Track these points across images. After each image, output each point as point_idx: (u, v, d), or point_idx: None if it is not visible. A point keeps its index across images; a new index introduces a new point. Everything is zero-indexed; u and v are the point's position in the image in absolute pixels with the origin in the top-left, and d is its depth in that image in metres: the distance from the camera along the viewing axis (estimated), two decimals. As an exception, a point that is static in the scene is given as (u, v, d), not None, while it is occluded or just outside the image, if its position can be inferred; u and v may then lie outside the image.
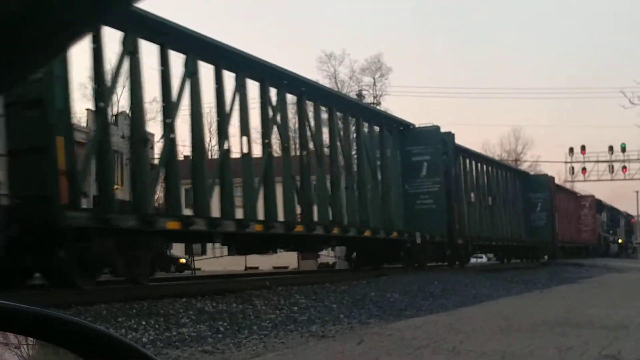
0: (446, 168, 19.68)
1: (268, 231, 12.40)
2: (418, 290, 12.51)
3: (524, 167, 48.41)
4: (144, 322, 7.01)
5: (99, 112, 9.93)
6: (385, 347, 6.14)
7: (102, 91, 9.88)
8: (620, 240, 54.95)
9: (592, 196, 44.73)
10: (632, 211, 60.28)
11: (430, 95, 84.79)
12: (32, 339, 0.87)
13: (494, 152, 53.45)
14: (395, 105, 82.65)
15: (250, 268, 26.52)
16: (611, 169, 41.08)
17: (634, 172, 41.17)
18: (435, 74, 77.00)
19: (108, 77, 10.10)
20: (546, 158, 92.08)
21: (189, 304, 8.24)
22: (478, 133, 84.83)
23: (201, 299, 8.64)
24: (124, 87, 11.14)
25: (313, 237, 14.36)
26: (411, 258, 18.01)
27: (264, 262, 26.03)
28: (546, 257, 30.12)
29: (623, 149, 40.40)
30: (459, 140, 21.43)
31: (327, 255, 25.35)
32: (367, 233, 16.12)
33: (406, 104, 66.59)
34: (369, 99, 42.57)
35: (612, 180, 41.49)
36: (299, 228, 13.48)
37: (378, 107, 32.95)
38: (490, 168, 25.88)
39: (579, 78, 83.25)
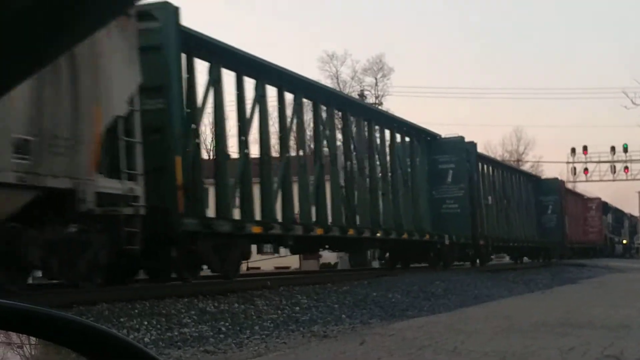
0: (469, 175, 21.31)
1: (327, 234, 14.28)
2: (419, 290, 12.51)
3: (525, 167, 48.41)
4: (146, 322, 7.02)
5: (193, 132, 11.36)
6: (387, 347, 6.15)
7: (194, 114, 11.20)
8: (624, 241, 55.37)
9: (599, 198, 45.37)
10: (635, 211, 60.32)
11: (432, 95, 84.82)
12: (34, 338, 0.87)
13: (496, 152, 53.36)
14: (397, 105, 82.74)
15: (252, 268, 26.52)
16: (613, 170, 41.06)
17: (636, 173, 41.18)
18: (437, 74, 77.13)
19: (199, 101, 11.47)
20: (548, 158, 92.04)
21: (191, 304, 8.25)
22: (480, 133, 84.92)
23: (203, 299, 8.65)
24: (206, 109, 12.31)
25: (362, 240, 16.11)
26: (439, 258, 19.49)
27: (265, 263, 26.06)
28: (555, 258, 31.12)
29: (625, 150, 40.37)
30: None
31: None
32: (405, 236, 17.81)
33: (408, 104, 66.75)
34: (370, 99, 42.58)
35: (614, 180, 41.52)
36: (351, 232, 15.29)
37: (380, 108, 32.98)
38: (505, 173, 27.46)
39: (581, 78, 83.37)
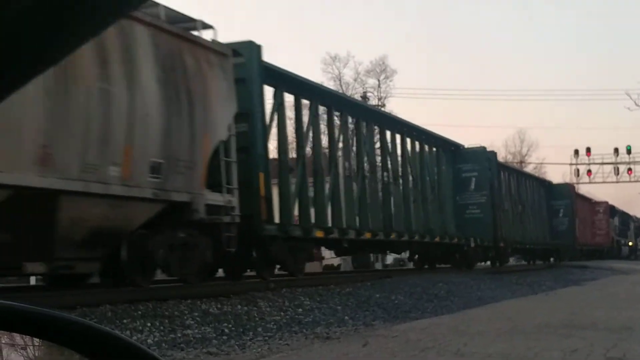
0: (491, 182, 22.89)
1: (374, 238, 16.11)
2: (423, 292, 12.49)
3: (528, 169, 48.29)
4: (149, 324, 7.02)
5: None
6: (390, 349, 6.14)
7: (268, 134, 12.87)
8: (630, 243, 55.83)
9: (606, 202, 46.10)
10: (638, 213, 60.25)
11: (435, 97, 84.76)
12: (37, 339, 0.87)
13: (499, 154, 53.15)
14: (400, 107, 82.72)
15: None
16: (616, 171, 41.03)
17: (640, 174, 41.09)
18: (440, 75, 77.06)
19: (271, 123, 13.05)
20: (551, 160, 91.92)
21: (194, 305, 8.25)
22: (483, 135, 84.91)
23: (206, 300, 8.65)
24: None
25: (402, 243, 18.13)
26: (465, 260, 21.16)
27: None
28: (566, 259, 32.38)
29: (628, 151, 40.33)
30: (462, 142, 23.53)
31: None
32: (437, 239, 19.51)
33: (411, 106, 66.69)
34: (373, 101, 42.54)
35: (617, 182, 41.44)
36: (393, 236, 17.11)
37: (382, 109, 32.99)
38: (519, 178, 29.11)
39: (584, 80, 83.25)
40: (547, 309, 10.23)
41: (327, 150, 15.90)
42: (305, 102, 14.43)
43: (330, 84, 39.64)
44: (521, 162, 53.86)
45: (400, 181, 18.45)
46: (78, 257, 8.09)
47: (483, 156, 22.79)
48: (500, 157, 49.98)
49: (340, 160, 16.14)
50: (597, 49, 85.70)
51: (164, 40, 9.06)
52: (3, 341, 0.88)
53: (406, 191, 18.61)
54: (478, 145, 23.20)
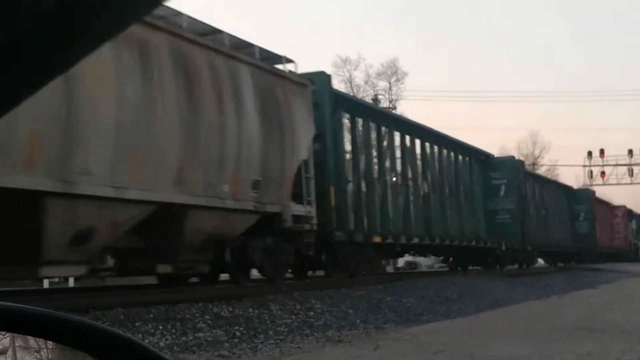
0: (519, 189, 24.44)
1: (422, 242, 17.87)
2: (435, 295, 12.43)
3: (541, 171, 48.04)
4: (160, 327, 7.05)
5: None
6: (401, 352, 6.13)
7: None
8: None
9: (624, 206, 46.75)
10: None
11: (446, 99, 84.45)
12: (51, 342, 0.88)
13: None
14: (411, 109, 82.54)
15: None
16: (630, 173, 40.70)
17: (654, 176, 40.74)
18: (451, 77, 76.86)
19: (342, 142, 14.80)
20: (564, 162, 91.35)
21: (206, 308, 8.27)
22: (494, 137, 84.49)
23: (217, 303, 8.67)
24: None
25: (444, 246, 19.62)
26: (496, 262, 22.79)
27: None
28: (587, 262, 33.18)
29: (643, 152, 39.91)
30: (474, 145, 24.47)
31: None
32: (473, 242, 21.02)
33: (422, 108, 66.57)
34: (384, 104, 42.51)
35: (631, 184, 41.15)
36: (437, 240, 18.66)
37: (394, 112, 33.00)
38: (543, 184, 30.86)
39: (596, 80, 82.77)
40: (561, 312, 10.17)
41: (376, 163, 17.13)
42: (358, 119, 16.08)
43: (341, 87, 39.66)
44: (533, 164, 53.59)
45: (438, 189, 19.87)
46: (196, 259, 9.71)
47: (512, 165, 24.84)
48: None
49: (388, 172, 17.50)
50: (610, 49, 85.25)
51: (260, 76, 10.69)
52: (17, 344, 0.89)
53: (443, 198, 20.00)
54: (507, 155, 25.53)
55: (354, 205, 14.98)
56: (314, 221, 12.06)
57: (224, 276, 12.51)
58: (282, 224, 11.01)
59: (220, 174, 9.50)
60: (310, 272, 14.87)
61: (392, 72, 45.74)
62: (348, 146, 15.62)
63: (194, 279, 11.73)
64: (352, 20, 71.57)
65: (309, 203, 12.04)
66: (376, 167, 16.61)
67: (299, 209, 11.58)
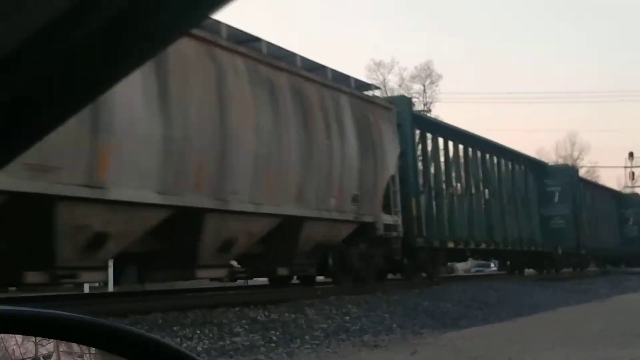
0: (573, 196, 25.47)
1: (488, 247, 19.34)
2: (472, 299, 12.21)
3: (580, 173, 47.12)
4: (198, 331, 7.10)
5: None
6: (439, 358, 6.07)
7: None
8: None
9: None
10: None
11: (482, 101, 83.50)
12: (94, 348, 0.91)
13: (549, 158, 51.68)
14: (446, 112, 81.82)
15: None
16: (674, 173, 39.64)
17: (700, 176, 39.63)
18: (486, 79, 76.00)
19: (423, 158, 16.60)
20: (604, 163, 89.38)
21: (242, 313, 8.30)
22: (532, 138, 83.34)
23: (254, 308, 8.72)
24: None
25: (509, 251, 21.13)
26: (552, 266, 23.93)
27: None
28: (635, 265, 33.70)
29: (687, 152, 38.93)
30: (511, 146, 24.84)
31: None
32: (532, 247, 22.24)
33: (458, 110, 65.99)
34: (419, 107, 42.18)
35: (676, 185, 40.09)
36: (500, 245, 20.11)
37: (428, 114, 32.83)
38: (594, 190, 31.77)
39: (636, 79, 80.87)
40: (604, 317, 9.94)
41: (444, 174, 18.05)
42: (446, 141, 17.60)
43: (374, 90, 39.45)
44: (572, 166, 52.56)
45: (498, 197, 20.92)
46: (307, 263, 11.30)
47: (566, 172, 26.28)
48: (551, 162, 49.11)
49: (454, 182, 18.71)
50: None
51: (357, 103, 12.23)
52: (61, 349, 0.92)
53: (502, 206, 21.03)
54: (561, 164, 27.92)
55: (428, 214, 16.06)
56: (400, 229, 13.54)
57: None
58: (375, 232, 12.51)
59: (328, 189, 10.99)
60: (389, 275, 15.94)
61: (427, 75, 45.47)
62: (421, 160, 16.85)
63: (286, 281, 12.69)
64: (385, 23, 71.41)
65: (395, 213, 13.56)
66: (444, 178, 17.74)
67: (388, 219, 13.05)
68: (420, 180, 16.26)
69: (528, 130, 71.71)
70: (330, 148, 11.12)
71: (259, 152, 9.45)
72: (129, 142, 7.43)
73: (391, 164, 13.29)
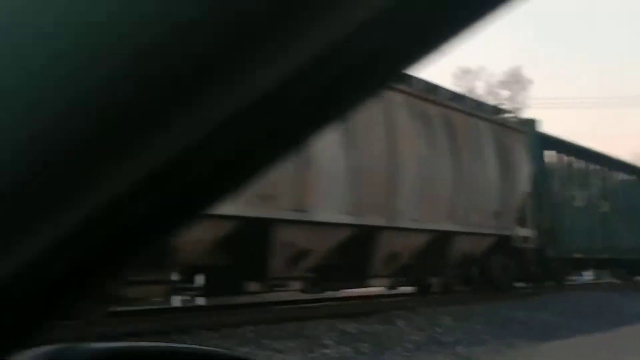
0: None
1: (610, 257, 20.81)
2: (569, 309, 11.84)
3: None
4: (290, 344, 7.20)
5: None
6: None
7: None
8: None
9: None
10: None
11: (576, 106, 79.97)
12: None
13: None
14: (537, 117, 78.55)
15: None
16: None
17: None
18: (580, 83, 72.91)
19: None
20: None
21: (333, 325, 8.35)
22: (632, 143, 79.17)
23: (344, 320, 8.73)
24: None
25: (619, 260, 22.09)
26: None
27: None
28: None
29: None
30: (609, 153, 25.12)
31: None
32: None
33: (550, 115, 63.59)
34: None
35: None
36: (617, 254, 21.28)
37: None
38: None
39: None
40: None
41: (565, 188, 19.23)
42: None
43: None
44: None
45: (615, 209, 22.17)
46: (456, 274, 12.66)
47: None
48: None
49: (575, 195, 19.96)
50: None
51: (495, 128, 13.36)
52: None
53: (617, 217, 22.24)
54: None
55: (556, 227, 17.04)
56: (534, 241, 14.67)
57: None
58: (513, 244, 13.56)
59: (472, 206, 12.03)
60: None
61: (516, 81, 44.36)
62: (547, 176, 17.95)
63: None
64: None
65: (529, 226, 14.69)
66: (568, 192, 19.15)
67: (523, 232, 14.17)
68: (548, 196, 17.33)
69: (624, 134, 68.19)
70: (475, 170, 12.27)
71: (418, 176, 10.81)
72: (325, 174, 9.14)
73: (524, 183, 14.34)
